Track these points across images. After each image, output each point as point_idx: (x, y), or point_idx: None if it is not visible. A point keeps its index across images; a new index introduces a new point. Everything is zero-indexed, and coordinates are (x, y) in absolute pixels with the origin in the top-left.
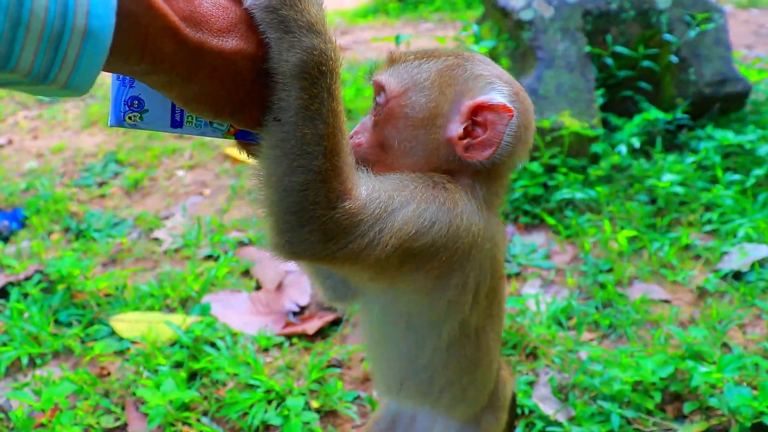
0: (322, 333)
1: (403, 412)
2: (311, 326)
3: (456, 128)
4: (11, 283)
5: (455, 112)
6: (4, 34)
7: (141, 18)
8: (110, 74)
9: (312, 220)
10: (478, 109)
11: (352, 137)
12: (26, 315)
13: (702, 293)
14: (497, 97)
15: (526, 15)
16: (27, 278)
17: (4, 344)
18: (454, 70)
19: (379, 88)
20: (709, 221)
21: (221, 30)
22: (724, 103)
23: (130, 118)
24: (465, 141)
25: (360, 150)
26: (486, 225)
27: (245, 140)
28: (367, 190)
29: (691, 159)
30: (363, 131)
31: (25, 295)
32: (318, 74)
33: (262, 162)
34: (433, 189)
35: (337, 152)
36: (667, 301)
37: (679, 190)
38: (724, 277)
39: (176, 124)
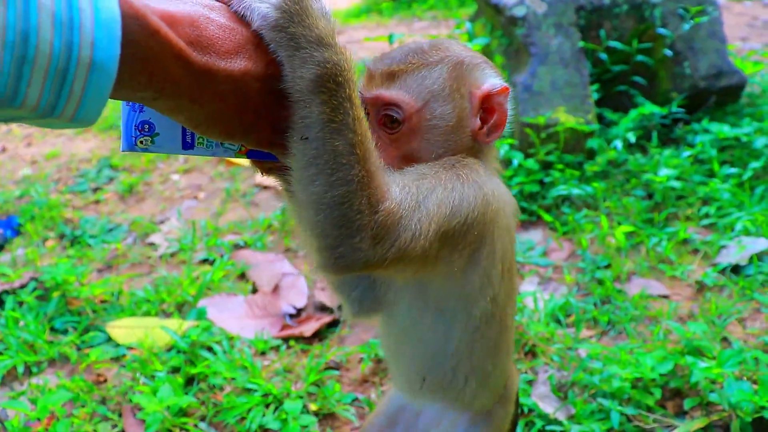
0: (319, 335)
1: (408, 408)
2: (308, 328)
3: (475, 121)
4: (6, 291)
5: (471, 107)
6: (10, 72)
7: (147, 46)
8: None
9: (360, 229)
10: (486, 98)
11: None
12: (21, 323)
13: (701, 288)
14: (496, 81)
15: (519, 11)
16: (22, 286)
17: (0, 353)
18: (460, 70)
19: (390, 104)
20: (707, 215)
21: (228, 52)
22: (720, 96)
23: (141, 142)
24: (484, 129)
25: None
26: (502, 189)
27: (258, 159)
28: (398, 186)
29: (687, 153)
30: (378, 148)
31: (21, 303)
32: (335, 86)
33: (296, 184)
34: (452, 169)
35: (368, 157)
36: (665, 297)
37: (676, 184)
38: (723, 271)
39: (187, 146)
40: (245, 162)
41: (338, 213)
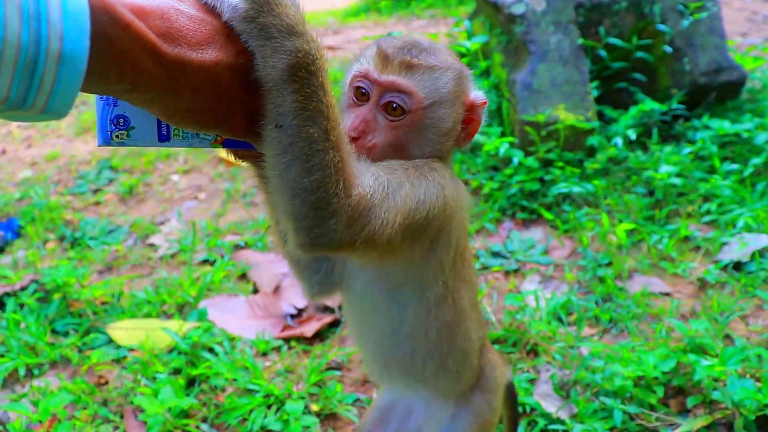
0: (320, 335)
1: (399, 405)
2: (309, 329)
3: (460, 127)
4: (7, 294)
5: (460, 115)
6: None
7: (117, 39)
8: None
9: (336, 212)
10: (472, 107)
11: (358, 136)
12: (23, 325)
13: (702, 285)
14: (480, 95)
15: (517, 9)
16: (23, 288)
17: (1, 355)
18: (462, 81)
19: (402, 91)
20: (708, 212)
21: (199, 43)
22: (720, 92)
23: (117, 136)
24: (462, 134)
25: (376, 151)
26: (459, 188)
27: (234, 147)
28: (371, 175)
29: (688, 149)
30: (371, 131)
31: (21, 305)
32: (307, 74)
33: (271, 170)
34: (420, 168)
35: (341, 143)
36: (667, 294)
37: (677, 181)
38: (725, 268)
39: (163, 138)
40: (242, 164)
41: (315, 197)
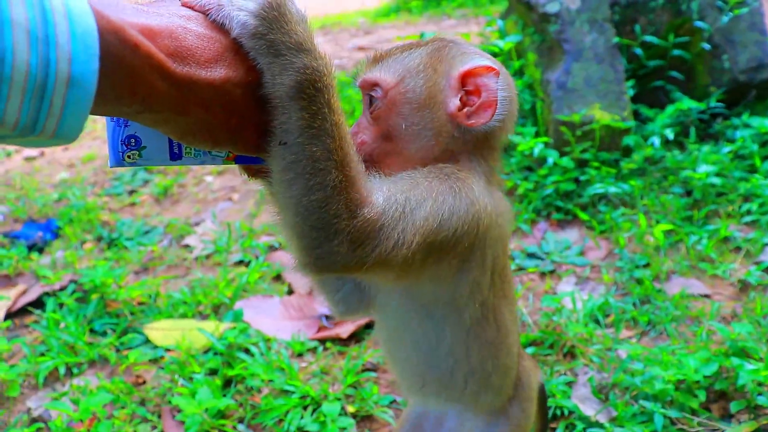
0: (355, 336)
1: (430, 415)
2: (345, 330)
3: (454, 101)
4: (47, 294)
5: (449, 87)
6: None
7: (127, 60)
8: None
9: (338, 233)
10: (466, 77)
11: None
12: (62, 325)
13: (744, 287)
14: (479, 61)
15: (551, 8)
16: (62, 288)
17: (42, 354)
18: (441, 51)
19: (373, 84)
20: (749, 212)
21: (209, 61)
22: (761, 89)
23: (129, 156)
24: (465, 110)
25: (365, 147)
26: (495, 202)
27: (246, 163)
28: (382, 194)
29: (727, 148)
30: (362, 130)
31: (61, 305)
32: (314, 92)
33: (276, 187)
34: (447, 180)
35: (347, 163)
36: (707, 296)
37: (716, 180)
38: (767, 270)
39: (175, 156)
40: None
41: (316, 216)
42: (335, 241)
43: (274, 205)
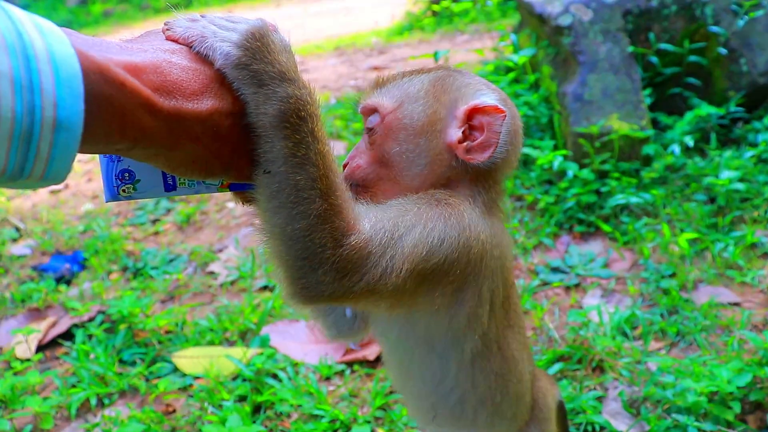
0: (382, 358)
1: None
2: (371, 352)
3: (455, 133)
4: (76, 325)
5: (452, 118)
6: None
7: (114, 98)
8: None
9: (323, 262)
10: (473, 113)
11: (348, 162)
12: (92, 356)
13: None
14: (489, 100)
15: (564, 20)
16: (90, 319)
17: (74, 386)
18: (446, 80)
19: (371, 110)
20: None
21: (195, 93)
22: None
23: (123, 191)
24: (465, 144)
25: (360, 171)
26: (492, 232)
27: (240, 190)
28: (370, 221)
29: (750, 153)
30: (359, 154)
31: (90, 336)
32: (298, 121)
33: (262, 215)
34: (437, 206)
35: (332, 191)
36: (736, 304)
37: (740, 186)
38: None
39: (170, 187)
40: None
41: (301, 245)
42: (320, 271)
43: (262, 233)
